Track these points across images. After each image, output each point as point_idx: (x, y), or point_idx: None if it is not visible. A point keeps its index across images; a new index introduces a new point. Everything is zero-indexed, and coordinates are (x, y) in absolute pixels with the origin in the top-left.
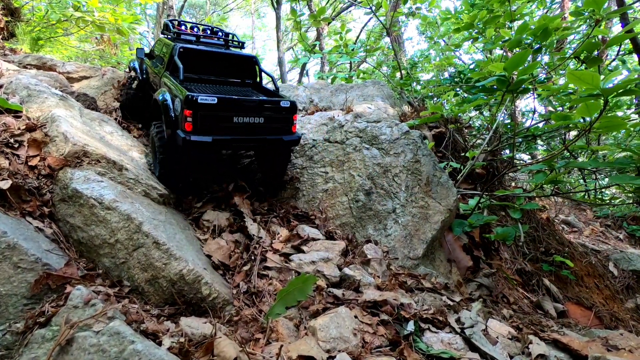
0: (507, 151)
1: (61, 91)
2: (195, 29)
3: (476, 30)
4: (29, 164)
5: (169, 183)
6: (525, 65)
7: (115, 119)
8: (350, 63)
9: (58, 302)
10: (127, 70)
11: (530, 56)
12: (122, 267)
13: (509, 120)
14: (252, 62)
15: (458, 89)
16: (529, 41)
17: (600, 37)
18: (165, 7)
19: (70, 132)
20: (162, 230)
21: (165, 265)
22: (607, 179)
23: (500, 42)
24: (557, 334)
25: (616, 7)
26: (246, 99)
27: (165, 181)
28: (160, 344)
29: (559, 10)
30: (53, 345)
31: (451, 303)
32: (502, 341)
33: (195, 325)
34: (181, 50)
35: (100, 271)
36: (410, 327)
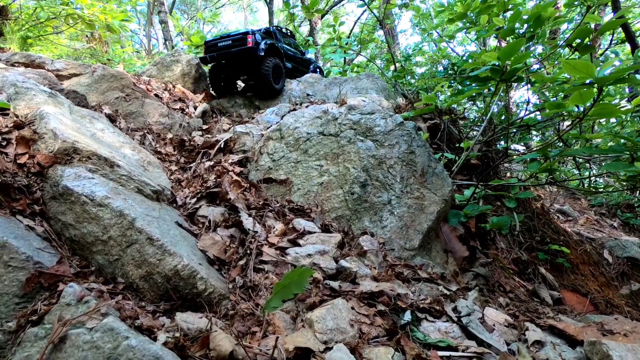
0: (502, 142)
1: (50, 88)
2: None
3: (471, 16)
4: (18, 162)
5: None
6: (519, 54)
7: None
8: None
9: (50, 300)
10: None
11: (524, 45)
12: (116, 264)
13: (503, 111)
14: (246, 35)
15: (452, 81)
16: (522, 30)
17: (592, 25)
18: (156, 3)
19: (60, 129)
20: (155, 226)
21: (160, 261)
22: (601, 168)
23: (494, 30)
24: (553, 320)
25: None
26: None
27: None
28: (155, 339)
29: None
30: (46, 343)
31: (448, 292)
32: (498, 328)
33: (191, 320)
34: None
35: (93, 268)
36: (407, 317)
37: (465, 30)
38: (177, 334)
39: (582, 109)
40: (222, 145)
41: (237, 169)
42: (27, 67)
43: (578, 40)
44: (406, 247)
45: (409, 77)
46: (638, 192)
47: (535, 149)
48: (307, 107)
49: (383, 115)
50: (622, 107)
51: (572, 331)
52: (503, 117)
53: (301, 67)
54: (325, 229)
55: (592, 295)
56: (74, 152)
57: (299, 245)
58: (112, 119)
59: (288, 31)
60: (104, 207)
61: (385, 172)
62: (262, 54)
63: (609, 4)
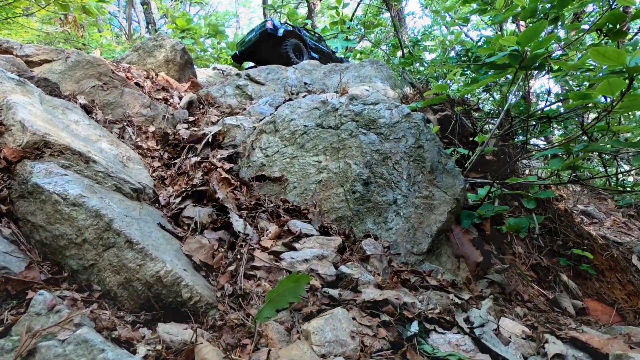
0: (520, 136)
1: (19, 76)
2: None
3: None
4: None
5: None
6: (540, 39)
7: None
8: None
9: (18, 310)
10: None
11: (546, 28)
12: (91, 270)
13: (522, 102)
14: (265, 21)
15: (466, 69)
16: (544, 12)
17: (621, 8)
18: None
19: (29, 120)
20: (135, 228)
21: (140, 266)
22: (629, 165)
23: (512, 12)
24: (576, 332)
25: None
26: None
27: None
28: (134, 352)
29: None
30: (13, 356)
31: (459, 301)
32: (515, 341)
33: (174, 332)
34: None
35: (66, 274)
36: (414, 328)
37: (479, 13)
38: (159, 347)
39: (609, 100)
40: (210, 139)
41: (227, 166)
42: None
43: (609, 25)
44: (413, 251)
45: (417, 65)
46: None
47: (557, 143)
48: (304, 97)
49: (388, 106)
50: None
51: (596, 344)
52: (522, 109)
53: (330, 62)
54: (324, 231)
55: (618, 304)
56: (45, 146)
57: (294, 249)
58: (87, 109)
59: (316, 34)
60: (78, 206)
61: (391, 169)
62: (281, 34)
63: None
